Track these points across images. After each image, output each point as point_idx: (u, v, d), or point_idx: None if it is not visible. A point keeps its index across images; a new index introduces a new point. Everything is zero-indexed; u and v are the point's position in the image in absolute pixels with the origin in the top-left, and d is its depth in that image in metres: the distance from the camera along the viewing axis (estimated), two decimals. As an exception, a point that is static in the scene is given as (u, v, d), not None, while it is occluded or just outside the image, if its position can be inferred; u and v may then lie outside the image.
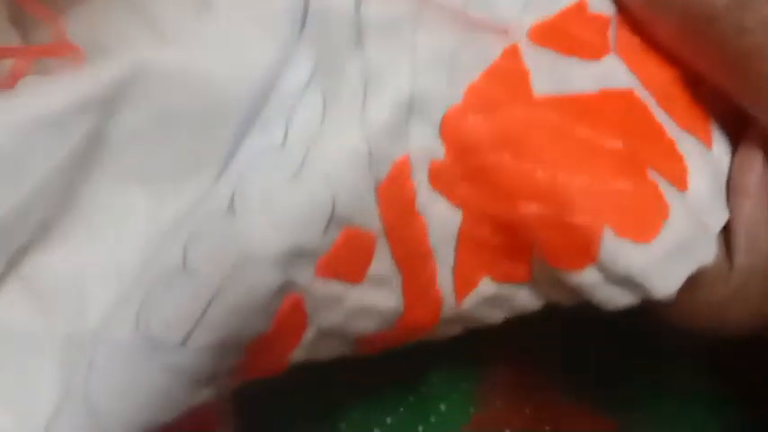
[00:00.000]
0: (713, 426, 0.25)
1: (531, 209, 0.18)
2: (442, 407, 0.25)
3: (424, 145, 0.18)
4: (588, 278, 0.18)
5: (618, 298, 0.18)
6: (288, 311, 0.18)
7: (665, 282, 0.18)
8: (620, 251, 0.18)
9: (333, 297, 0.18)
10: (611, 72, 0.19)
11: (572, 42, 0.19)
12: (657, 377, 0.25)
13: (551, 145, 0.18)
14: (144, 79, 0.18)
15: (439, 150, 0.18)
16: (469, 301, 0.20)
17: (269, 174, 0.18)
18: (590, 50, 0.19)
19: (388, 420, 0.25)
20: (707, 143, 0.19)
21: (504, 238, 0.19)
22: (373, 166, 0.18)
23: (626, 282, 0.18)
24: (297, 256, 0.17)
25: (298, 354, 0.19)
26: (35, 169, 0.18)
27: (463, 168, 0.18)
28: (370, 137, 0.18)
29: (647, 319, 0.19)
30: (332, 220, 0.17)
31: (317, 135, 0.18)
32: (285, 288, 0.17)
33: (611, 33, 0.19)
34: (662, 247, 0.18)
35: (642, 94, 0.19)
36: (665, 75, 0.19)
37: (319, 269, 0.18)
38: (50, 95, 0.18)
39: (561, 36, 0.19)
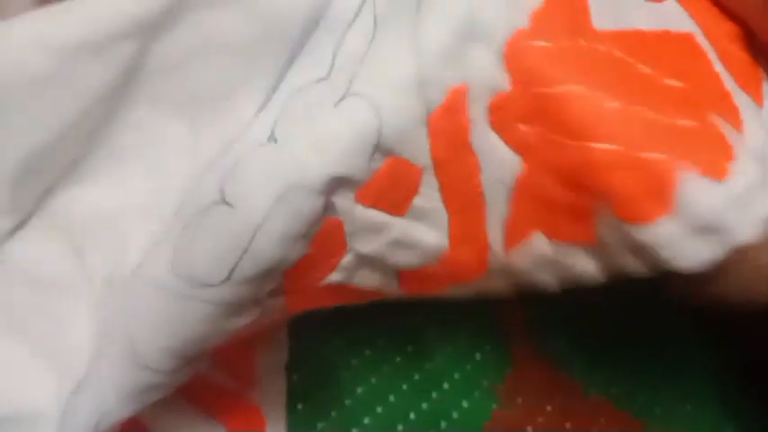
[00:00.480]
0: (732, 423, 0.25)
1: (601, 147, 0.16)
2: (465, 404, 0.25)
3: (486, 74, 0.17)
4: (664, 230, 0.16)
5: (697, 251, 0.16)
6: (326, 233, 0.17)
7: (748, 223, 0.16)
8: (698, 190, 0.16)
9: (373, 225, 0.18)
10: (674, 15, 0.18)
11: None
12: (679, 375, 0.25)
13: (616, 78, 0.17)
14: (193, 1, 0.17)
15: (502, 80, 0.17)
16: (520, 255, 0.18)
17: (312, 101, 0.17)
18: None
19: (411, 416, 0.25)
20: (759, 103, 0.19)
21: (570, 190, 0.17)
22: (425, 92, 0.17)
23: (707, 228, 0.16)
24: (340, 182, 0.17)
25: (335, 277, 0.18)
26: (72, 98, 0.17)
27: (529, 102, 0.17)
28: (424, 61, 0.17)
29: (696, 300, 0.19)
30: (377, 148, 0.17)
31: (365, 58, 0.17)
32: (325, 211, 0.17)
33: None
34: (738, 185, 0.17)
35: (703, 42, 0.18)
36: (723, 29, 0.19)
37: (360, 195, 0.17)
38: (97, 16, 0.16)
39: None
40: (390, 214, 0.18)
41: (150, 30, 0.17)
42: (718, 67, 0.18)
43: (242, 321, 0.18)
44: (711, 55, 0.18)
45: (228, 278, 0.17)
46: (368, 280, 0.19)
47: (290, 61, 0.18)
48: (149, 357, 0.17)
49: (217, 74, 0.18)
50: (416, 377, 0.25)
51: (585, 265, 0.18)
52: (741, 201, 0.17)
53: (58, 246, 0.18)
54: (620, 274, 0.18)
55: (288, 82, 0.18)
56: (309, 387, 0.24)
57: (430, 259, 0.18)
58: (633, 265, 0.18)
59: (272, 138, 0.17)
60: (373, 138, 0.16)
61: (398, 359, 0.25)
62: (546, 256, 0.18)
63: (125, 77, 0.17)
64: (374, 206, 0.17)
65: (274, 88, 0.18)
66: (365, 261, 0.18)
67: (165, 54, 0.17)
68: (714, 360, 0.26)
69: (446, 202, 0.18)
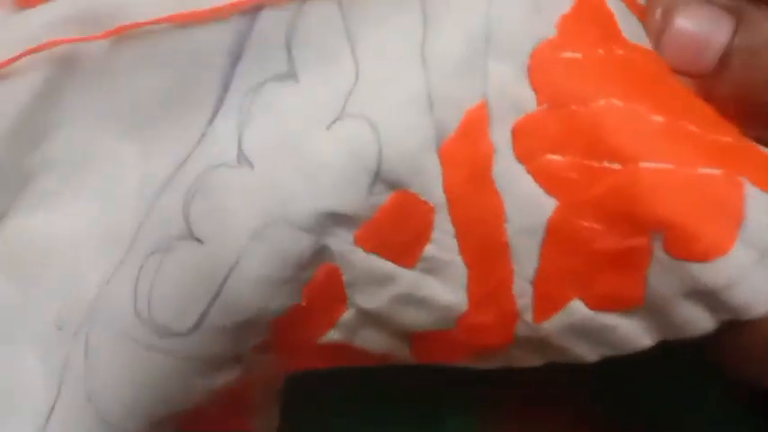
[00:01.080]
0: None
1: (651, 166, 0.14)
2: (448, 426, 0.24)
3: (508, 91, 0.15)
4: (736, 261, 0.14)
5: None
6: (321, 283, 0.15)
7: None
8: (763, 208, 0.14)
9: (377, 275, 0.16)
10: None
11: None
12: (668, 399, 0.25)
13: (655, 92, 0.15)
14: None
15: (528, 98, 0.15)
16: (552, 324, 0.16)
17: (289, 112, 0.15)
18: (640, 12, 0.16)
19: (393, 439, 0.24)
20: None
21: (615, 229, 0.15)
22: (436, 112, 0.15)
23: None
24: (334, 219, 0.15)
25: (334, 335, 0.16)
26: None
27: (560, 124, 0.15)
28: (434, 74, 0.15)
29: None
30: (377, 179, 0.15)
31: (360, 70, 0.15)
32: (319, 256, 0.15)
33: None
34: None
35: None
36: None
37: (360, 237, 0.15)
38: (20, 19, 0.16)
39: None
40: (397, 264, 0.16)
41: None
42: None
43: (220, 380, 0.16)
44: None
45: (197, 327, 0.15)
46: (373, 341, 0.17)
47: (237, 54, 0.16)
48: (112, 415, 0.16)
49: (155, 81, 0.16)
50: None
51: (632, 331, 0.16)
52: None
53: (2, 280, 0.16)
54: (674, 333, 0.16)
55: (240, 79, 0.16)
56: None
57: (446, 322, 0.16)
58: (694, 319, 0.15)
59: (244, 157, 0.15)
60: (372, 164, 0.14)
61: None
62: (584, 326, 0.16)
63: (50, 85, 0.16)
64: (377, 252, 0.15)
65: (225, 87, 0.16)
66: (369, 318, 0.16)
67: (94, 63, 0.16)
68: (703, 365, 0.25)
69: (463, 251, 0.15)
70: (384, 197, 0.15)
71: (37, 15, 0.16)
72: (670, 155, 0.15)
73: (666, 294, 0.15)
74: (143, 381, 0.15)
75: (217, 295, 0.15)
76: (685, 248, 0.14)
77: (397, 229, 0.15)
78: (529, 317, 0.16)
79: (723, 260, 0.14)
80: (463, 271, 0.16)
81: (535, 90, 0.15)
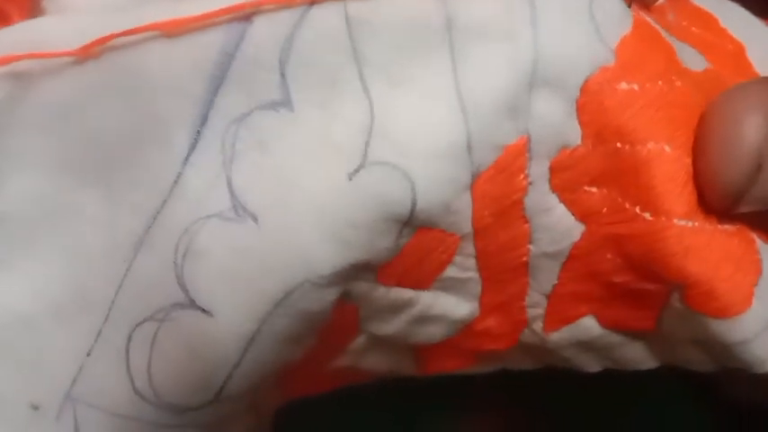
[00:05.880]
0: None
1: (683, 224, 0.14)
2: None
3: (553, 126, 0.14)
4: (753, 319, 0.14)
5: None
6: (337, 323, 0.15)
7: None
8: None
9: (396, 304, 0.15)
10: (697, 55, 0.16)
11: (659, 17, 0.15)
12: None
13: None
14: None
15: (573, 134, 0.14)
16: (560, 336, 0.16)
17: (295, 158, 0.13)
18: (672, 29, 0.15)
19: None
20: None
21: (635, 272, 0.14)
22: (475, 155, 0.13)
23: None
24: (360, 268, 0.14)
25: (341, 362, 0.16)
26: None
27: (603, 160, 0.14)
28: (474, 121, 0.13)
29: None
30: (407, 225, 0.14)
31: (377, 106, 0.13)
32: (340, 300, 0.14)
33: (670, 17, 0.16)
34: None
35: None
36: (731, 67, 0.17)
37: (382, 275, 0.14)
38: None
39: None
40: (414, 289, 0.15)
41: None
42: None
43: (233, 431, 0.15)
44: None
45: (216, 399, 0.14)
46: (379, 362, 0.16)
47: (219, 79, 0.14)
48: None
49: (118, 113, 0.14)
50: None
51: (637, 354, 0.16)
52: None
53: None
54: (675, 363, 0.16)
55: (222, 108, 0.14)
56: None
57: (455, 331, 0.16)
58: (696, 360, 0.16)
59: (241, 207, 0.13)
60: (405, 214, 0.13)
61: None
62: (592, 342, 0.16)
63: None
64: (398, 285, 0.15)
65: (203, 118, 0.14)
66: (379, 341, 0.16)
67: (49, 94, 0.14)
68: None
69: (481, 269, 0.15)
70: (409, 237, 0.14)
71: None
72: (700, 213, 0.14)
73: (677, 335, 0.15)
74: None
75: (237, 366, 0.14)
76: (704, 304, 0.14)
77: (420, 262, 0.14)
78: (538, 326, 0.16)
79: (740, 318, 0.14)
80: (478, 284, 0.15)
81: (582, 126, 0.14)
